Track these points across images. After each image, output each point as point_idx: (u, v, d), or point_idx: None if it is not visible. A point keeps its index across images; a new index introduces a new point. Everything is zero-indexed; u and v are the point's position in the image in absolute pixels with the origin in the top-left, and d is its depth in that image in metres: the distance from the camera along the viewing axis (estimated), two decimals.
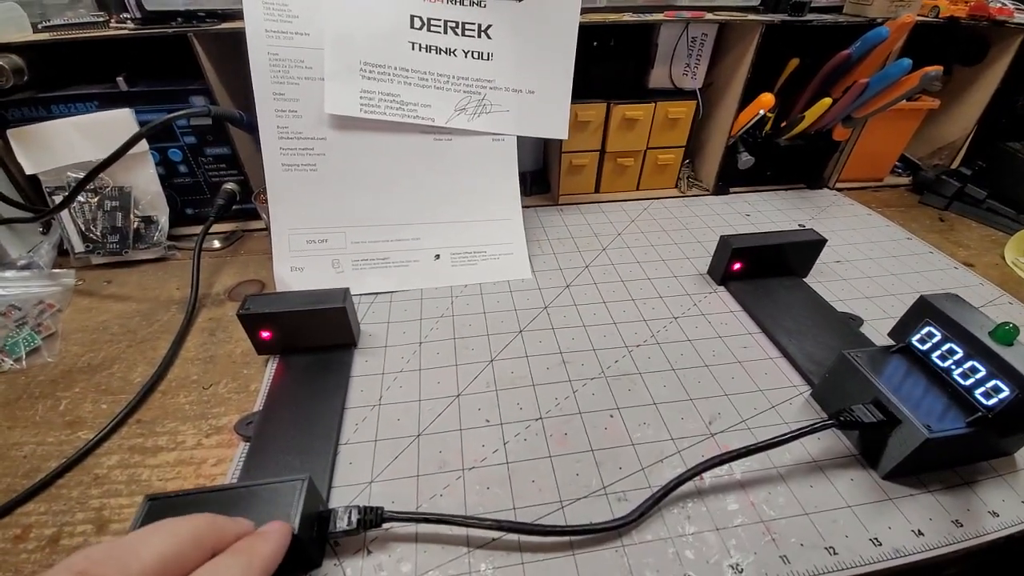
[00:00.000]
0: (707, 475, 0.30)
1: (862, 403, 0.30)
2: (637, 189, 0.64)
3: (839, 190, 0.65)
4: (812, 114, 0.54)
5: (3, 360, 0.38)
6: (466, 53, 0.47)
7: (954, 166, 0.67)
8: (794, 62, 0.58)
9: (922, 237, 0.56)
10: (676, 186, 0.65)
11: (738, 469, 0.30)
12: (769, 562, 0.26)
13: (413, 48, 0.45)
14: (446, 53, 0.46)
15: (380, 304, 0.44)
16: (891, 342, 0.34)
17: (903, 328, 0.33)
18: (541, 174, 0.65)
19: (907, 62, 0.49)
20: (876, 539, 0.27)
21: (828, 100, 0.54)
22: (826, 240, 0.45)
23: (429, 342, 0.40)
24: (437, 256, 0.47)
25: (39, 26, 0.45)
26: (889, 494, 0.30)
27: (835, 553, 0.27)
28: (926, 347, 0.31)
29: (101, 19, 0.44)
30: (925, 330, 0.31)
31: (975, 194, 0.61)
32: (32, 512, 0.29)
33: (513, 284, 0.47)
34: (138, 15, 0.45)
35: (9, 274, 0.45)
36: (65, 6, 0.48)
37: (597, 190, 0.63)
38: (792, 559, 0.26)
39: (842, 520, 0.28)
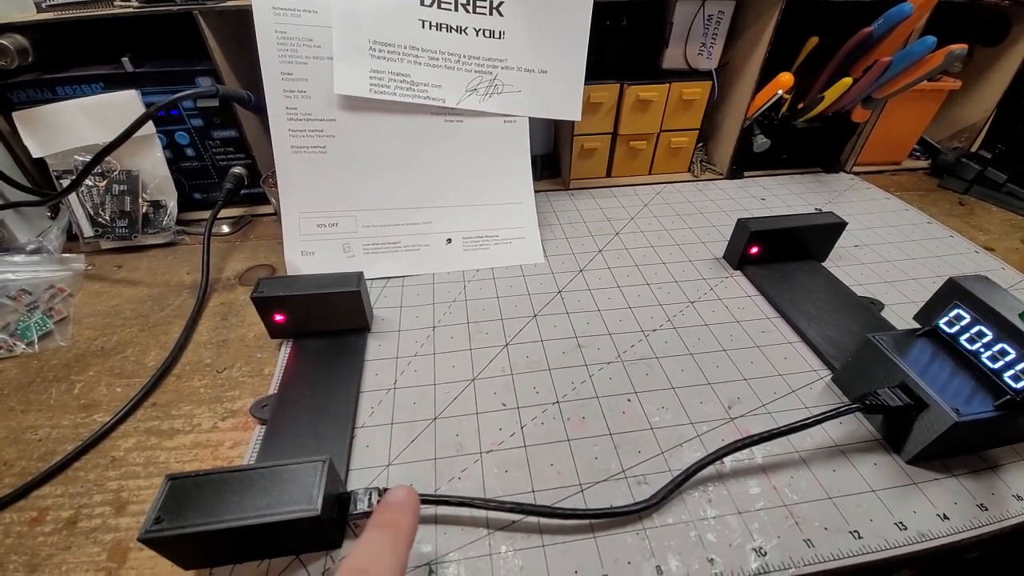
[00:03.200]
0: (728, 459, 0.29)
1: (888, 387, 0.29)
2: (650, 173, 0.63)
3: (856, 174, 0.64)
4: (832, 94, 0.53)
5: (15, 344, 0.38)
6: (477, 31, 0.46)
7: (973, 149, 0.65)
8: (813, 41, 0.56)
9: (942, 221, 0.54)
10: (689, 170, 0.63)
11: (759, 453, 0.30)
12: (793, 545, 0.26)
13: (423, 26, 0.44)
14: (457, 31, 0.45)
15: (392, 288, 0.44)
16: (914, 326, 0.33)
17: (930, 311, 0.33)
18: (551, 158, 0.64)
19: (932, 40, 0.47)
20: (901, 523, 0.27)
21: (848, 80, 0.52)
22: (846, 223, 0.44)
23: (443, 326, 0.40)
24: (449, 240, 0.47)
25: (43, 5, 0.44)
26: (914, 478, 0.29)
27: (860, 537, 0.26)
28: (954, 330, 0.31)
29: None
30: (954, 312, 0.31)
31: (995, 178, 0.60)
32: (48, 495, 0.29)
33: (526, 268, 0.46)
34: None
35: (18, 258, 0.44)
36: None
37: (609, 174, 0.62)
38: (816, 543, 0.26)
39: (866, 504, 0.28)
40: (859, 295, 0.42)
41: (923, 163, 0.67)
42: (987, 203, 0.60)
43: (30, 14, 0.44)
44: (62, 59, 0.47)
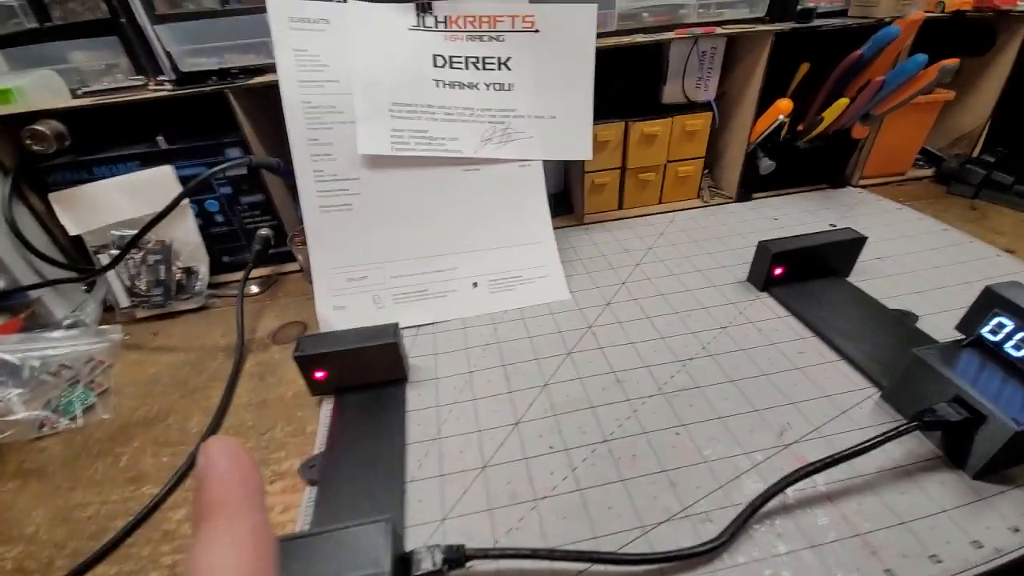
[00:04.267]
0: (790, 489, 0.29)
1: (944, 401, 0.29)
2: (660, 202, 0.64)
3: (863, 187, 0.65)
4: (831, 115, 0.54)
5: (59, 420, 0.39)
6: (488, 85, 0.48)
7: (975, 154, 0.67)
8: (805, 67, 0.59)
9: (958, 227, 0.55)
10: (698, 196, 0.65)
11: (821, 480, 0.29)
12: None
13: (437, 85, 0.47)
14: (469, 87, 0.48)
15: (424, 336, 0.44)
16: (957, 336, 0.33)
17: (971, 321, 0.32)
18: (563, 196, 0.65)
19: (923, 57, 0.49)
20: (977, 541, 0.26)
21: (845, 100, 0.54)
22: (866, 238, 0.44)
23: (479, 371, 0.40)
24: (475, 284, 0.48)
25: (79, 92, 0.47)
26: (981, 493, 0.28)
27: (940, 561, 0.25)
28: (998, 338, 0.31)
29: (140, 82, 0.46)
30: (995, 321, 0.31)
31: (1002, 180, 0.61)
32: (103, 575, 0.28)
33: (553, 306, 0.47)
34: (174, 77, 0.47)
35: (57, 334, 0.45)
36: (102, 72, 0.50)
37: (620, 206, 0.63)
38: (898, 572, 0.25)
39: (940, 526, 0.27)
40: (890, 308, 0.42)
41: (927, 171, 0.68)
42: (998, 205, 0.60)
43: (65, 101, 0.47)
44: (98, 141, 0.49)
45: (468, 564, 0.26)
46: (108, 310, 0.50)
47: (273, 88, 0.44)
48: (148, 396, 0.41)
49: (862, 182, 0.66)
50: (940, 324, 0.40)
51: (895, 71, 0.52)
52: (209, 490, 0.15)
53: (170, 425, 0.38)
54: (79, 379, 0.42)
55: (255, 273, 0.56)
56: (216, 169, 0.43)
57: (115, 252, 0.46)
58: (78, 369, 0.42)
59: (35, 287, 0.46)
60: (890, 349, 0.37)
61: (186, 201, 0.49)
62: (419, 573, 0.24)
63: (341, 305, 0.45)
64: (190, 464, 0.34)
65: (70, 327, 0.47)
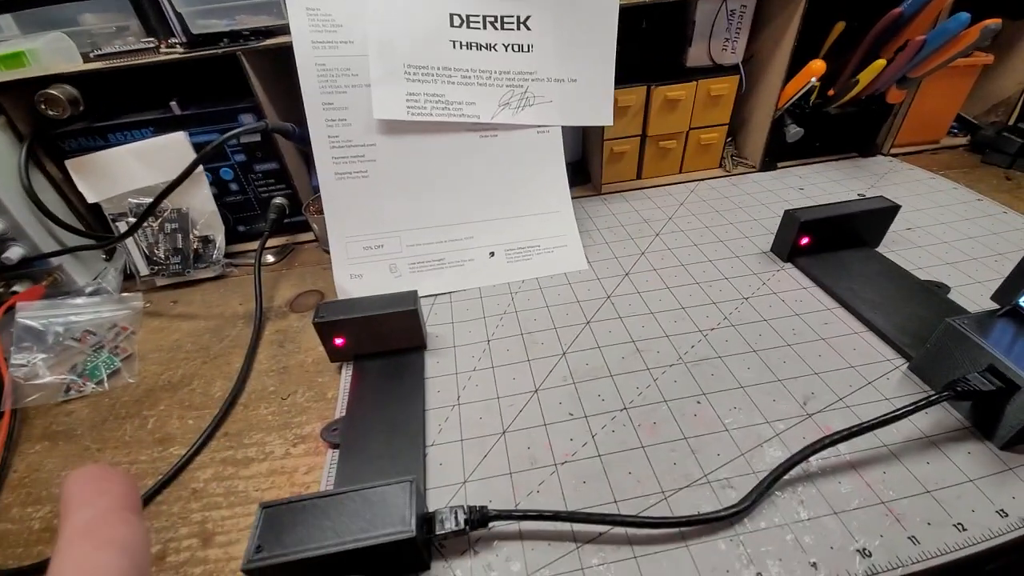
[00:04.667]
0: (813, 458, 0.28)
1: (976, 371, 0.28)
2: (680, 172, 0.62)
3: (894, 156, 0.63)
4: (866, 77, 0.52)
5: (85, 384, 0.40)
6: (506, 47, 0.46)
7: (1011, 122, 0.63)
8: (840, 26, 0.56)
9: (992, 197, 0.53)
10: (720, 165, 0.63)
11: (845, 450, 0.29)
12: (898, 544, 0.25)
13: (454, 46, 0.45)
14: (487, 48, 0.46)
15: (441, 305, 0.44)
16: (986, 307, 0.32)
17: (1009, 289, 0.31)
18: (580, 165, 0.64)
19: (966, 16, 0.46)
20: (1003, 511, 0.26)
21: (883, 61, 0.51)
22: (899, 206, 0.43)
23: (497, 339, 0.40)
24: (492, 253, 0.47)
25: (91, 55, 0.46)
26: (1008, 464, 0.28)
27: (964, 529, 0.25)
28: None
29: (151, 45, 0.45)
30: None
31: None
32: None
33: (571, 276, 0.46)
34: (184, 39, 0.45)
35: (80, 301, 0.46)
36: (113, 34, 0.49)
37: (639, 176, 0.62)
38: (922, 539, 0.25)
39: (966, 495, 0.27)
40: (921, 279, 0.40)
41: (962, 140, 0.65)
42: None
43: (78, 64, 0.46)
44: (112, 106, 0.49)
45: (491, 525, 0.26)
46: (128, 278, 0.51)
47: (286, 50, 0.43)
48: (171, 362, 0.41)
49: (893, 150, 0.63)
50: (972, 295, 0.39)
51: (936, 30, 0.49)
52: (77, 511, 0.14)
53: (194, 389, 0.38)
54: (103, 345, 0.42)
55: (270, 243, 0.55)
56: (232, 133, 0.42)
57: (133, 220, 0.47)
58: (102, 335, 0.43)
59: (55, 254, 0.47)
60: (920, 320, 0.36)
61: (201, 169, 0.48)
62: (442, 532, 0.25)
63: (358, 273, 0.45)
64: (216, 426, 0.35)
65: (92, 294, 0.48)
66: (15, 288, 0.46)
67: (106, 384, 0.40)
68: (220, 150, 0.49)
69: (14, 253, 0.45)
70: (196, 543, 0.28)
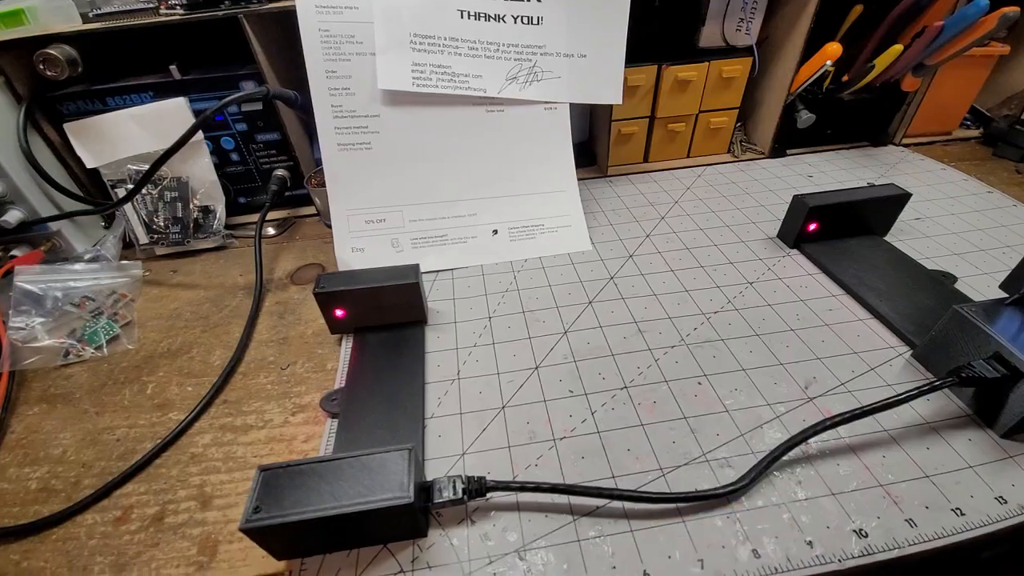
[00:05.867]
0: (813, 440, 0.28)
1: (982, 358, 0.28)
2: (688, 156, 0.61)
3: (905, 146, 0.62)
4: (883, 62, 0.51)
5: (84, 349, 0.39)
6: (515, 18, 0.45)
7: None
8: (857, 9, 0.54)
9: (1002, 190, 0.52)
10: (729, 151, 0.62)
11: (846, 433, 0.29)
12: (895, 525, 0.25)
13: (462, 16, 0.44)
14: (495, 20, 0.45)
15: (442, 281, 0.43)
16: (993, 297, 0.32)
17: (1017, 278, 0.31)
18: (587, 146, 0.63)
19: (985, 2, 0.45)
20: (1001, 497, 0.26)
21: (900, 47, 0.50)
22: (910, 195, 0.42)
23: (498, 316, 0.39)
24: (495, 231, 0.46)
25: (90, 15, 0.45)
26: (1009, 452, 0.28)
27: (962, 514, 0.25)
28: None
29: (151, 5, 0.44)
30: None
31: None
32: (132, 493, 0.29)
33: (574, 256, 0.46)
34: (185, 0, 0.44)
35: (79, 267, 0.46)
36: None
37: (646, 159, 0.61)
38: (919, 522, 0.25)
39: (965, 480, 0.26)
40: (929, 269, 0.40)
41: (974, 132, 0.64)
42: None
43: (76, 24, 0.45)
44: (111, 69, 0.47)
45: (488, 495, 0.26)
46: (128, 246, 0.50)
47: (290, 15, 0.41)
48: (171, 330, 0.41)
49: (905, 140, 0.62)
50: (979, 286, 0.39)
51: (955, 16, 0.48)
52: None
53: (193, 357, 0.38)
54: (102, 311, 0.42)
55: (272, 215, 0.55)
56: (234, 97, 0.41)
57: (132, 187, 0.46)
58: (101, 301, 0.43)
59: (54, 219, 0.46)
60: (925, 309, 0.36)
61: (201, 137, 0.47)
62: (440, 500, 0.25)
63: (359, 247, 0.45)
64: (215, 393, 0.34)
65: (91, 261, 0.48)
66: (14, 252, 0.46)
67: (105, 349, 0.39)
68: (222, 117, 0.48)
69: (12, 216, 0.44)
70: (195, 505, 0.28)
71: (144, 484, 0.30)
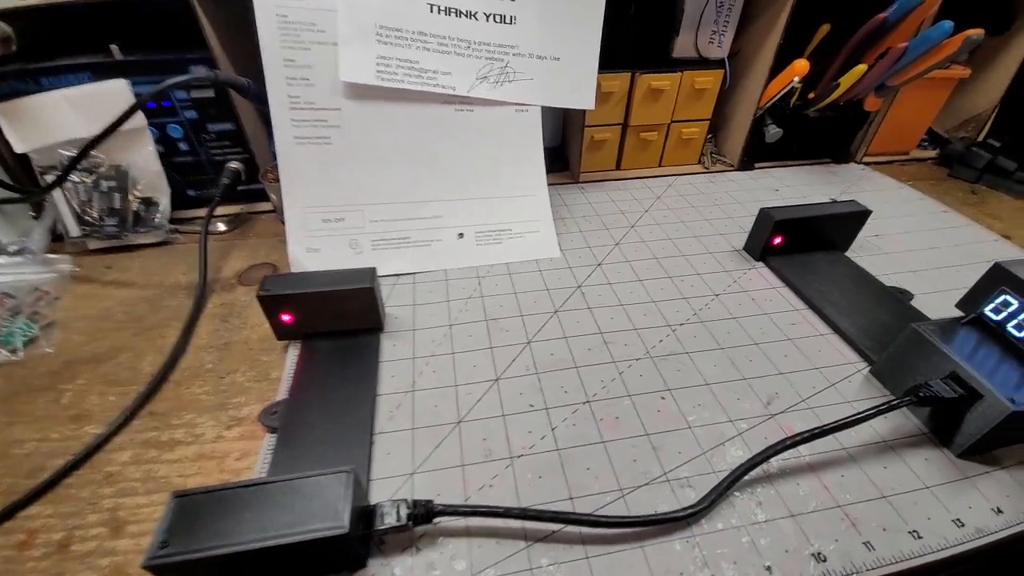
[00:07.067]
0: (774, 459, 0.28)
1: (939, 378, 0.28)
2: (660, 165, 0.61)
3: (866, 164, 0.63)
4: (847, 80, 0.52)
5: None
6: (488, 16, 0.44)
7: (980, 138, 0.65)
8: (824, 28, 0.55)
9: (957, 210, 0.54)
10: (699, 162, 0.62)
11: (806, 451, 0.28)
12: (852, 549, 0.24)
13: (431, 10, 0.42)
14: (467, 16, 0.43)
15: (403, 286, 0.41)
16: (947, 315, 0.32)
17: (974, 298, 0.31)
18: (559, 151, 0.62)
19: (949, 24, 0.46)
20: (958, 520, 0.26)
21: (864, 66, 0.51)
22: (870, 211, 0.43)
23: (460, 324, 0.37)
24: (460, 235, 0.45)
25: None
26: (965, 472, 0.28)
27: (919, 537, 0.25)
28: (1001, 316, 0.29)
29: None
30: (1001, 299, 0.29)
31: (1006, 166, 0.59)
32: (38, 515, 0.26)
33: (542, 263, 0.44)
34: None
35: (1, 260, 0.41)
36: None
37: (618, 167, 0.60)
38: (876, 545, 0.24)
39: (922, 502, 0.26)
40: (887, 285, 0.41)
41: (931, 153, 0.67)
42: (998, 191, 0.59)
43: None
44: (47, 48, 0.43)
45: (435, 520, 0.24)
46: (57, 240, 0.46)
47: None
48: (98, 332, 0.37)
49: (866, 159, 0.64)
50: (934, 303, 0.39)
51: (919, 38, 0.49)
52: None
53: (121, 363, 0.35)
54: (21, 310, 0.38)
55: (224, 210, 0.51)
56: (177, 80, 0.38)
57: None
58: (21, 299, 0.39)
59: None
60: (882, 325, 0.36)
61: (145, 123, 0.44)
62: (382, 527, 0.23)
63: (315, 248, 0.42)
64: (141, 404, 0.31)
65: (15, 254, 0.43)
66: None
67: (21, 352, 0.36)
68: (168, 103, 0.45)
69: None
70: (105, 532, 0.25)
71: (51, 506, 0.27)
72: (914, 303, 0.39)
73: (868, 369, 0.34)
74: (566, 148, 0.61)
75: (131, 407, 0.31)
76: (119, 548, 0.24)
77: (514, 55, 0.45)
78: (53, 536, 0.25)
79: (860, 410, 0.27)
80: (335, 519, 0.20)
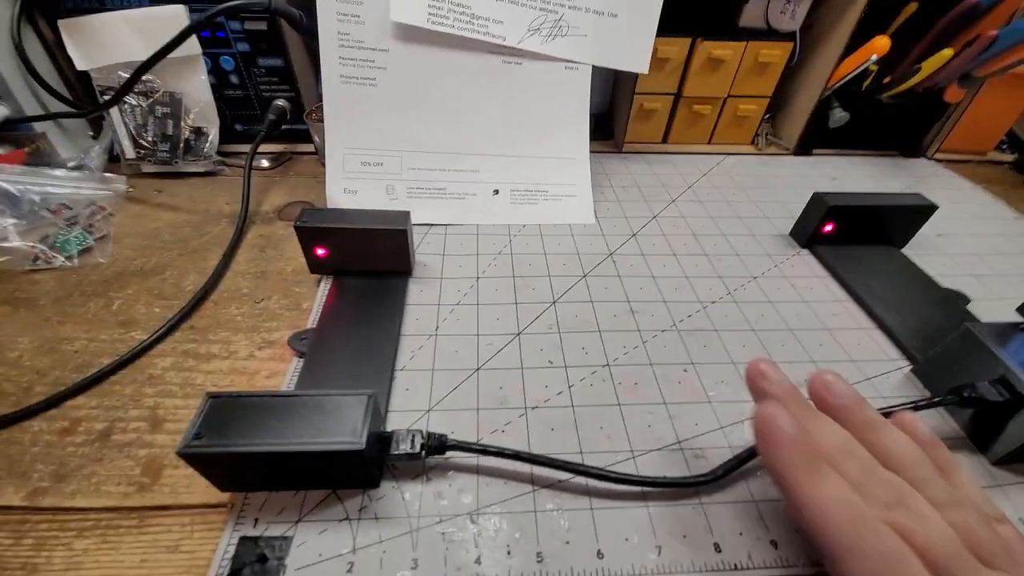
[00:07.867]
0: None
1: (986, 381, 0.26)
2: (709, 143, 0.58)
3: (937, 161, 0.59)
4: (930, 66, 0.47)
5: (54, 256, 0.38)
6: None
7: None
8: (911, 7, 0.51)
9: None
10: (752, 142, 0.59)
11: None
12: None
13: None
14: None
15: (435, 236, 0.42)
16: (1008, 321, 0.30)
17: None
18: (604, 119, 0.60)
19: None
20: None
21: (950, 51, 0.47)
22: (936, 207, 0.40)
23: (487, 278, 0.38)
24: (496, 191, 0.44)
25: None
26: (998, 480, 0.26)
27: None
28: None
29: None
30: None
31: None
32: (82, 406, 0.28)
33: (575, 228, 0.44)
34: None
35: (59, 172, 0.43)
36: None
37: (665, 140, 0.58)
38: None
39: None
40: (943, 287, 0.38)
41: (1008, 156, 0.61)
42: None
43: None
44: None
45: (448, 454, 0.25)
46: (114, 161, 0.48)
47: None
48: (147, 249, 0.39)
49: (938, 155, 0.59)
50: (993, 310, 0.37)
51: (1010, 27, 0.44)
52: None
53: (166, 279, 0.36)
54: (78, 221, 0.40)
55: (268, 148, 0.53)
56: (230, 4, 0.38)
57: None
58: (78, 211, 0.41)
59: (39, 119, 0.44)
60: (933, 326, 0.34)
61: (199, 51, 0.45)
62: (396, 452, 0.23)
63: (353, 189, 0.43)
64: (182, 317, 0.33)
65: (74, 169, 0.45)
66: None
67: (76, 260, 0.38)
68: (223, 33, 0.45)
69: None
70: (145, 426, 0.27)
71: (96, 399, 0.29)
72: (970, 308, 0.37)
73: (910, 368, 0.32)
74: (612, 116, 0.59)
75: (173, 319, 0.32)
76: (156, 442, 0.26)
77: (570, 8, 0.43)
78: (96, 425, 0.27)
79: (894, 405, 0.26)
80: (353, 435, 0.21)
